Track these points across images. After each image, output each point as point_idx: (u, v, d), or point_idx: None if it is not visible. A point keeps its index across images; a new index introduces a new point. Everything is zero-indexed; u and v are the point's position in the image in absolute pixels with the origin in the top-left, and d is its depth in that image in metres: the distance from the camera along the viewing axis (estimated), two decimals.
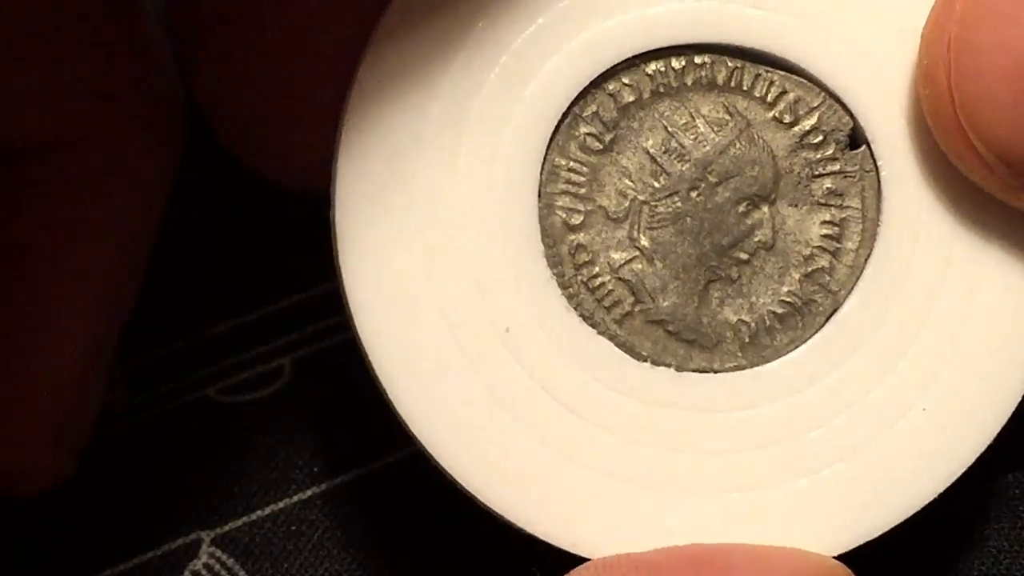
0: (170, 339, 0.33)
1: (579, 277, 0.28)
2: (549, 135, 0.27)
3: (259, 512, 0.32)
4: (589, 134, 0.28)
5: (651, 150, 0.28)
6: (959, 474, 0.27)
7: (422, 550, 0.32)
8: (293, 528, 0.32)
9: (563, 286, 0.27)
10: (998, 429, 0.27)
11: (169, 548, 0.32)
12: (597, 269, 0.28)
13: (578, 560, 0.27)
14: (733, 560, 0.27)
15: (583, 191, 0.28)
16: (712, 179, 0.28)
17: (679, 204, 0.28)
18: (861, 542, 0.27)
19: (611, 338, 0.27)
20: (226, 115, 0.30)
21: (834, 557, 0.27)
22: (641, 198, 0.28)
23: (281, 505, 0.32)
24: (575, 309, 0.27)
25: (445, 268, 0.27)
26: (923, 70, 0.27)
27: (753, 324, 0.28)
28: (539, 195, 0.27)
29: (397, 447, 0.32)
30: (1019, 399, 0.27)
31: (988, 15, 0.26)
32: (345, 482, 0.33)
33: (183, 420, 0.32)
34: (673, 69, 0.28)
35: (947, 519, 0.32)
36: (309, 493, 0.33)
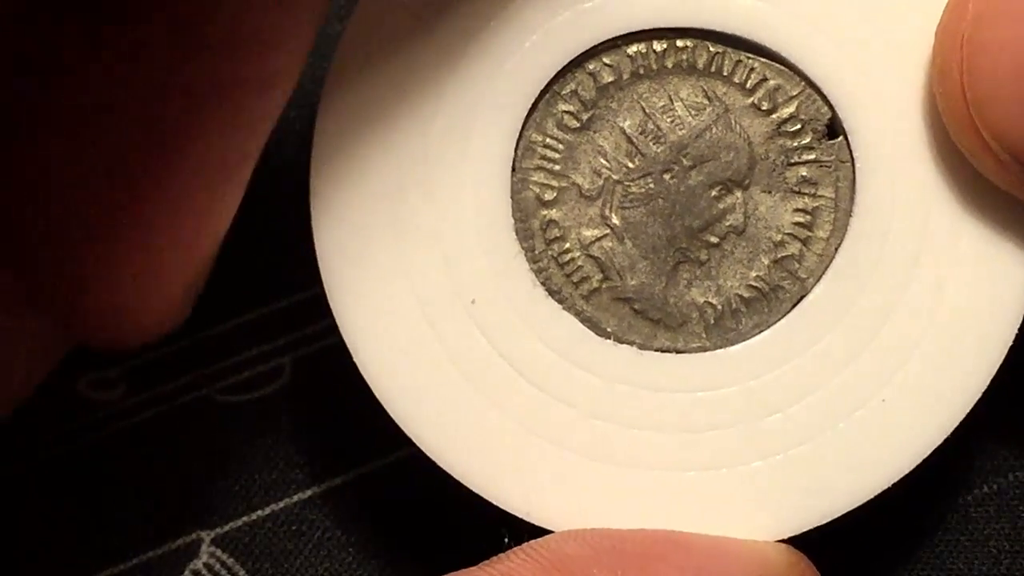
0: (170, 339, 0.32)
1: (549, 252, 0.28)
2: (526, 111, 0.28)
3: (259, 512, 0.33)
4: (567, 112, 0.28)
5: (628, 130, 0.28)
6: (914, 466, 0.27)
7: (422, 550, 0.33)
8: (293, 528, 0.33)
9: (532, 260, 0.28)
10: (956, 424, 0.27)
11: (169, 548, 0.32)
12: (567, 245, 0.28)
13: (541, 531, 0.27)
14: (692, 548, 0.27)
15: (558, 168, 0.28)
16: (686, 162, 0.28)
17: (652, 185, 0.28)
18: (812, 526, 0.27)
19: (576, 314, 0.28)
20: None
21: (796, 539, 0.28)
22: (615, 177, 0.28)
23: (281, 505, 0.33)
24: (543, 284, 0.28)
25: (415, 238, 0.28)
26: (937, 68, 0.27)
27: (719, 307, 0.28)
28: (513, 169, 0.28)
29: (397, 447, 0.32)
30: (980, 395, 0.28)
31: (1001, 14, 0.26)
32: (345, 482, 0.33)
33: (183, 420, 0.32)
34: (654, 51, 0.28)
35: (946, 519, 0.32)
36: (309, 493, 0.33)
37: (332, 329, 0.32)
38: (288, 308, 0.33)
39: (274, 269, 0.33)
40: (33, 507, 0.32)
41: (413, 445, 0.28)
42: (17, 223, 0.26)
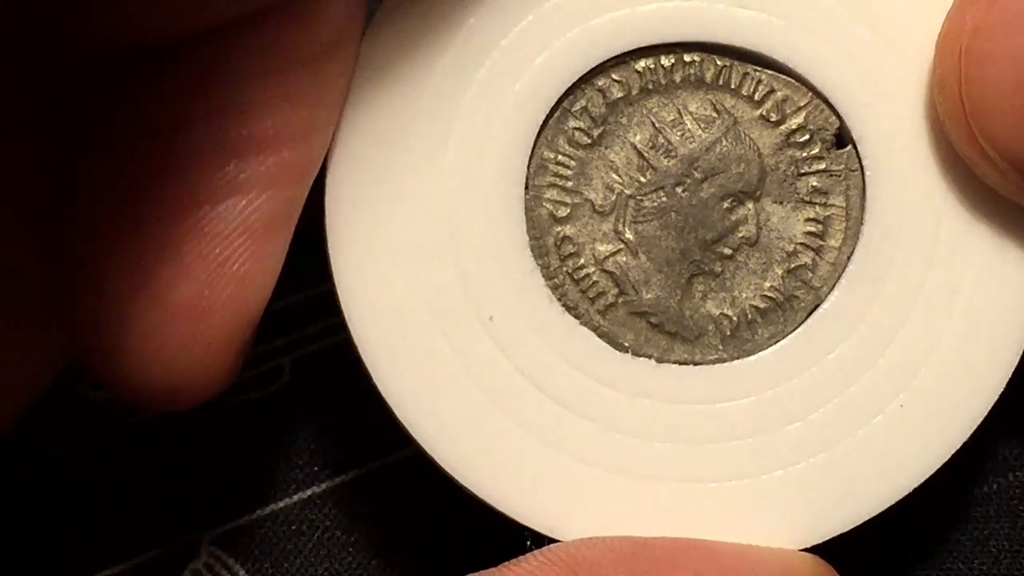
0: None
1: (564, 268, 0.28)
2: (538, 129, 0.28)
3: (259, 512, 0.33)
4: (577, 128, 0.28)
5: (638, 145, 0.28)
6: (934, 470, 0.28)
7: (422, 550, 0.33)
8: (293, 528, 0.33)
9: (548, 277, 0.28)
10: (974, 427, 0.28)
11: (169, 548, 0.33)
12: (582, 261, 0.28)
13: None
14: (720, 558, 0.27)
15: (570, 184, 0.28)
16: (698, 175, 0.28)
17: (664, 199, 0.28)
18: (834, 535, 0.28)
19: (594, 329, 0.28)
20: None
21: (814, 547, 0.28)
22: (627, 192, 0.28)
23: (281, 505, 0.33)
24: (559, 300, 0.28)
25: (432, 257, 0.28)
26: (937, 79, 0.27)
27: (735, 318, 0.28)
28: (526, 187, 0.28)
29: (397, 447, 0.32)
30: (997, 398, 0.28)
31: (998, 26, 0.26)
32: (345, 482, 0.33)
33: (183, 420, 0.32)
34: (662, 66, 0.28)
35: (946, 519, 0.32)
36: (309, 493, 0.33)
37: (332, 329, 0.32)
38: (288, 308, 0.33)
39: None
40: (33, 507, 0.32)
41: (413, 446, 0.28)
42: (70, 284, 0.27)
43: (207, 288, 0.27)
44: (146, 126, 0.26)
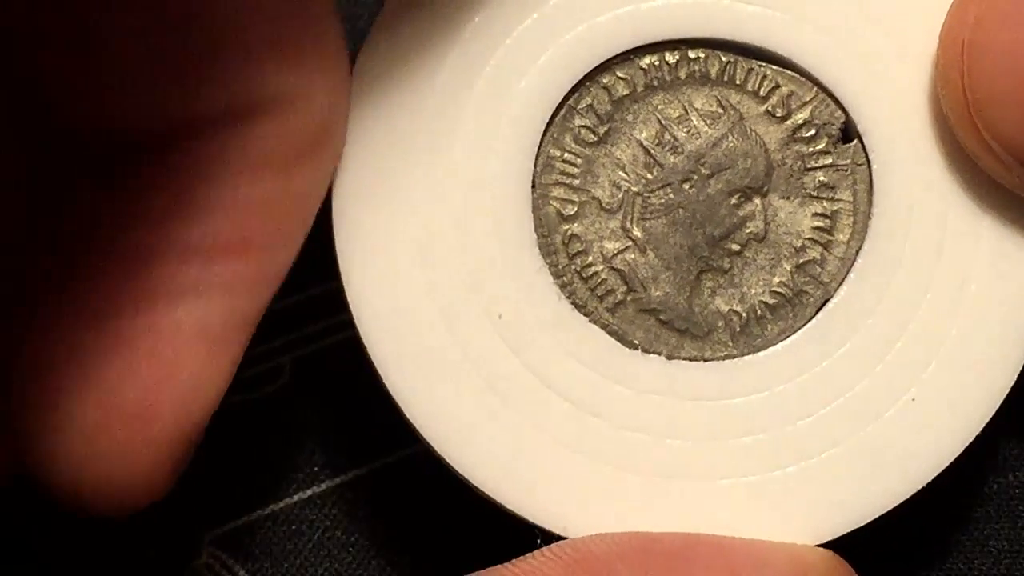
0: None
1: (572, 266, 0.28)
2: (544, 127, 0.28)
3: (259, 512, 0.32)
4: (583, 126, 0.28)
5: (645, 142, 0.28)
6: (947, 464, 0.27)
7: (422, 550, 0.32)
8: (293, 528, 0.32)
9: (556, 275, 0.28)
10: (987, 420, 0.28)
11: (169, 548, 0.32)
12: (590, 258, 0.28)
13: None
14: (730, 552, 0.27)
15: (577, 182, 0.28)
16: (705, 171, 0.28)
17: (672, 195, 0.28)
18: (848, 530, 0.27)
19: (603, 326, 0.28)
20: None
21: (825, 544, 0.28)
22: (634, 189, 0.28)
23: (281, 505, 0.33)
24: (567, 297, 0.28)
25: (440, 256, 0.28)
26: (940, 72, 0.27)
27: (744, 314, 0.28)
28: (533, 185, 0.28)
29: (397, 447, 0.32)
30: (1008, 390, 0.28)
31: (1000, 19, 0.26)
32: (344, 482, 0.33)
33: None
34: (667, 63, 0.28)
35: (947, 519, 0.32)
36: (309, 493, 0.33)
37: (332, 329, 0.32)
38: (288, 308, 0.33)
39: None
40: (32, 507, 0.32)
41: (413, 445, 0.27)
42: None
43: (155, 391, 0.26)
44: (106, 220, 0.26)
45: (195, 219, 0.25)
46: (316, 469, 0.33)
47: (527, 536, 0.28)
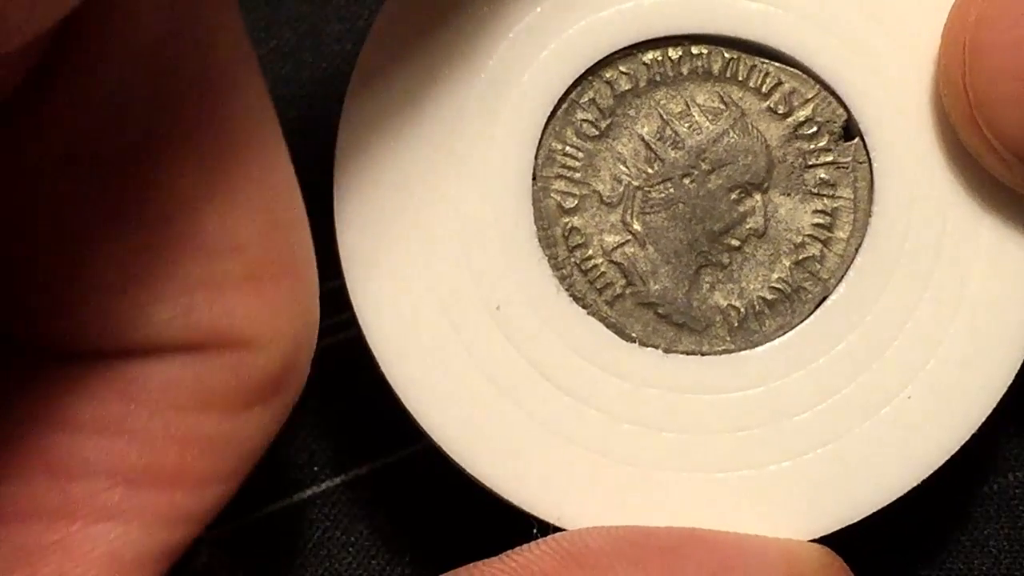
0: None
1: (572, 259, 0.28)
2: (545, 120, 0.28)
3: (259, 512, 0.33)
4: (585, 120, 0.28)
5: (646, 137, 0.28)
6: (942, 462, 0.28)
7: (422, 550, 0.33)
8: (293, 528, 0.33)
9: (555, 267, 0.28)
10: (983, 419, 0.28)
11: None
12: (590, 251, 0.28)
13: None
14: (724, 547, 0.27)
15: (578, 175, 0.28)
16: (705, 166, 0.28)
17: (672, 190, 0.28)
18: (842, 526, 0.27)
19: (601, 319, 0.28)
20: None
21: (821, 539, 0.28)
22: (635, 183, 0.28)
23: (281, 505, 0.33)
24: (567, 290, 0.28)
25: (440, 248, 0.28)
26: (942, 70, 0.27)
27: (742, 309, 0.28)
28: (534, 178, 0.28)
29: (397, 447, 0.32)
30: (1005, 390, 0.28)
31: (1002, 17, 0.26)
32: (344, 482, 0.33)
33: None
34: (670, 59, 0.28)
35: (946, 519, 0.32)
36: (309, 493, 0.33)
37: (333, 329, 0.32)
38: None
39: None
40: None
41: (414, 444, 0.28)
42: None
43: None
44: (30, 427, 0.24)
45: (126, 443, 0.24)
46: (316, 469, 0.33)
47: (527, 536, 0.28)
